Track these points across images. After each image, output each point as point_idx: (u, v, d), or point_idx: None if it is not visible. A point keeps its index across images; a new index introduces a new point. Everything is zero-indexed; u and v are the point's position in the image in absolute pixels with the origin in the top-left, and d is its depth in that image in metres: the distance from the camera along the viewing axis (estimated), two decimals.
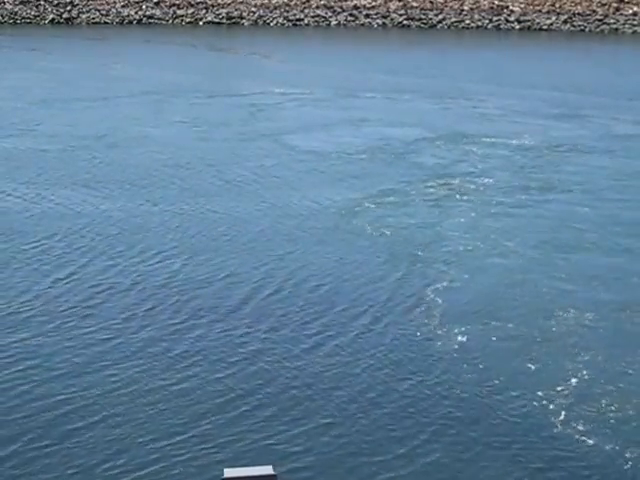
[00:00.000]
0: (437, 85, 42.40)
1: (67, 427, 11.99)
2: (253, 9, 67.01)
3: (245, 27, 65.50)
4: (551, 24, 67.18)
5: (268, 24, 65.91)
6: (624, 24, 67.49)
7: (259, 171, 25.45)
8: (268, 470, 7.49)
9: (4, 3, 64.49)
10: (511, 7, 68.34)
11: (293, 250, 18.94)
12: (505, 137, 30.67)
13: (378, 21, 66.98)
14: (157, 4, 66.57)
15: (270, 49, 54.31)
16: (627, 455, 11.65)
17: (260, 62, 49.72)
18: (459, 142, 29.75)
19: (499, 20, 67.21)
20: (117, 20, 64.73)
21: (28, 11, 64.20)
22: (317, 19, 66.83)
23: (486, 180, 24.91)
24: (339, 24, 66.61)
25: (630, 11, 68.74)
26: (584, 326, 15.47)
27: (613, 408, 12.78)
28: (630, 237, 20.42)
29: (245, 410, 12.49)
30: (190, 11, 66.34)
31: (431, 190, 23.82)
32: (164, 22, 65.29)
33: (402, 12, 67.54)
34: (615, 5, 69.02)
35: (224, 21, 66.03)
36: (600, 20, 67.75)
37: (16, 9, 64.19)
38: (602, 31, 66.91)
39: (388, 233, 20.12)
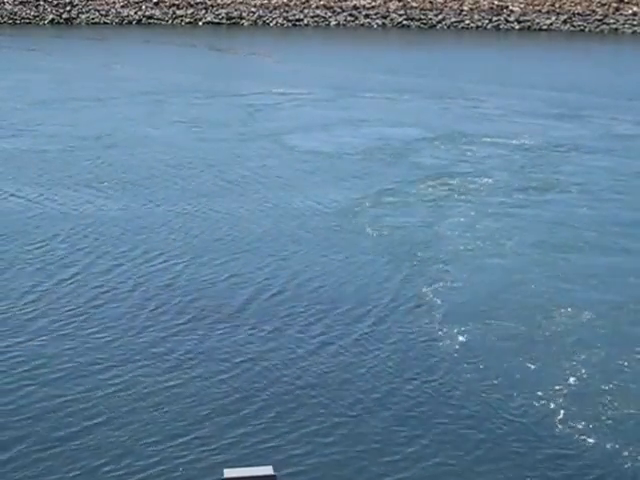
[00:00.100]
0: (437, 85, 42.43)
1: (70, 429, 12.01)
2: (253, 9, 67.04)
3: (245, 27, 65.54)
4: (551, 24, 67.22)
5: (268, 24, 65.95)
6: (624, 24, 67.54)
7: (260, 171, 25.48)
8: (268, 470, 7.50)
9: (3, 3, 64.52)
10: (511, 7, 68.37)
11: (296, 250, 18.97)
12: (505, 137, 30.70)
13: (378, 21, 67.02)
14: (157, 4, 66.59)
15: (270, 49, 54.35)
16: (627, 454, 11.69)
17: (260, 62, 49.74)
18: (459, 142, 29.78)
19: (499, 20, 67.25)
20: (117, 20, 64.76)
21: (28, 11, 64.22)
22: (317, 19, 66.86)
23: (486, 180, 24.94)
24: (339, 24, 66.64)
25: (630, 11, 68.78)
26: (584, 326, 15.50)
27: (613, 407, 12.81)
28: (630, 237, 20.44)
29: (248, 412, 12.50)
30: (190, 11, 66.37)
31: (431, 190, 23.86)
32: (164, 22, 65.34)
33: (402, 12, 67.57)
34: (615, 5, 69.07)
35: (224, 21, 66.07)
36: (600, 20, 67.79)
37: (15, 9, 64.22)
38: (602, 31, 66.96)
39: (389, 233, 20.15)
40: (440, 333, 15.07)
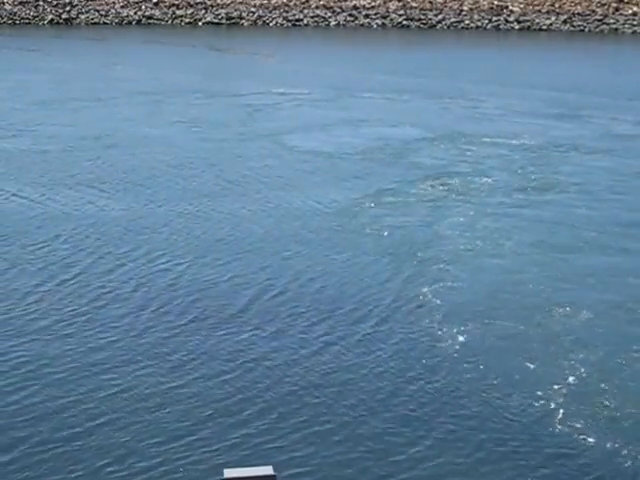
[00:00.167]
0: (437, 85, 42.48)
1: (72, 429, 12.04)
2: (252, 9, 67.07)
3: (244, 27, 65.56)
4: (551, 24, 67.26)
5: (267, 24, 65.98)
6: (624, 24, 67.57)
7: (261, 171, 25.53)
8: (268, 470, 7.51)
9: (3, 4, 64.55)
10: (511, 7, 68.41)
11: (298, 251, 19.02)
12: (505, 137, 30.74)
13: (377, 21, 67.05)
14: (156, 4, 66.62)
15: (270, 49, 54.39)
16: (627, 453, 11.73)
17: (259, 62, 49.78)
18: (459, 142, 29.82)
19: (499, 20, 67.29)
20: (116, 21, 64.80)
21: (27, 11, 64.25)
22: (316, 19, 66.90)
23: (486, 180, 24.99)
24: (338, 24, 66.68)
25: (630, 11, 68.81)
26: (583, 325, 15.55)
27: (612, 406, 12.86)
28: (629, 237, 20.49)
29: (251, 412, 12.54)
30: (189, 11, 66.40)
31: (431, 190, 23.91)
32: (163, 22, 65.37)
33: (401, 12, 67.60)
34: (615, 5, 69.10)
35: (223, 21, 66.10)
36: (600, 20, 67.82)
37: (15, 9, 64.24)
38: (602, 31, 66.99)
39: (389, 233, 20.20)
40: (440, 333, 15.12)
